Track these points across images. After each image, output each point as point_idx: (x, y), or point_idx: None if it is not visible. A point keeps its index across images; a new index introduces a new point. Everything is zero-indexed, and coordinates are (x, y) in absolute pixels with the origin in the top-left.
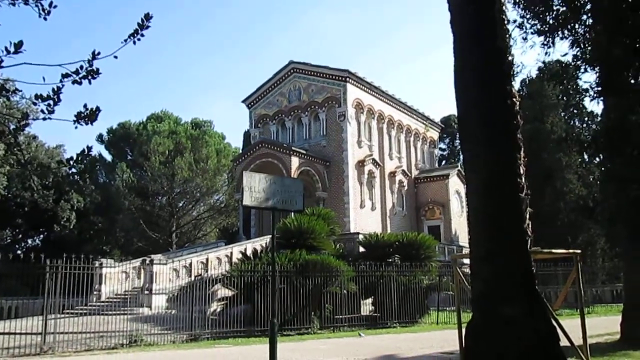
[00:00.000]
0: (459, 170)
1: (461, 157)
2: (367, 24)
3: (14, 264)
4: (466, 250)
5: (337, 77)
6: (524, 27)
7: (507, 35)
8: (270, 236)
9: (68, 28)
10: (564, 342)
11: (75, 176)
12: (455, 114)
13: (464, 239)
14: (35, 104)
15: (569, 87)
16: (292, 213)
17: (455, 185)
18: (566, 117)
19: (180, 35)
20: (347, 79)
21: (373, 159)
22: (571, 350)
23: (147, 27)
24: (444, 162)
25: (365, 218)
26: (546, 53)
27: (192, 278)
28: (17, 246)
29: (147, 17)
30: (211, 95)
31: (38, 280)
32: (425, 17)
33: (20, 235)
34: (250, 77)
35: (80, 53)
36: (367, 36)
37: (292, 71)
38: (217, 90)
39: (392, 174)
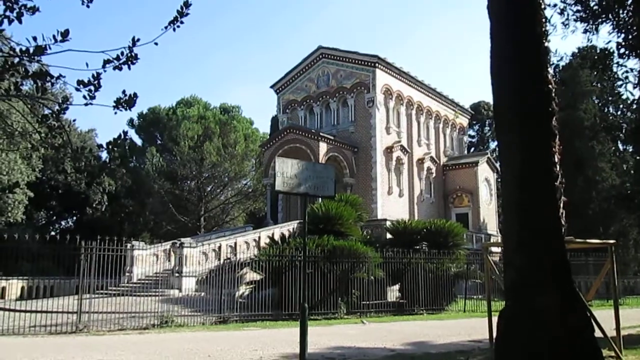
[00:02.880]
0: (488, 157)
1: (491, 144)
2: (396, 12)
3: (50, 245)
4: (495, 239)
5: (366, 63)
6: (565, 13)
7: (545, 21)
8: (298, 221)
9: (100, 12)
10: (596, 333)
11: (109, 162)
12: (485, 100)
13: (492, 227)
14: (77, 89)
15: (607, 74)
16: (320, 199)
17: (485, 173)
18: (600, 105)
19: (208, 20)
20: (377, 64)
21: (401, 146)
22: (604, 342)
23: (187, 14)
24: (473, 149)
25: (392, 205)
26: (588, 39)
27: (221, 261)
28: (51, 227)
29: (186, 4)
30: (239, 81)
31: (72, 261)
32: (455, 3)
33: (55, 217)
34: (279, 63)
35: (107, 38)
36: (396, 24)
37: (321, 56)
38: (245, 76)
39: (421, 161)
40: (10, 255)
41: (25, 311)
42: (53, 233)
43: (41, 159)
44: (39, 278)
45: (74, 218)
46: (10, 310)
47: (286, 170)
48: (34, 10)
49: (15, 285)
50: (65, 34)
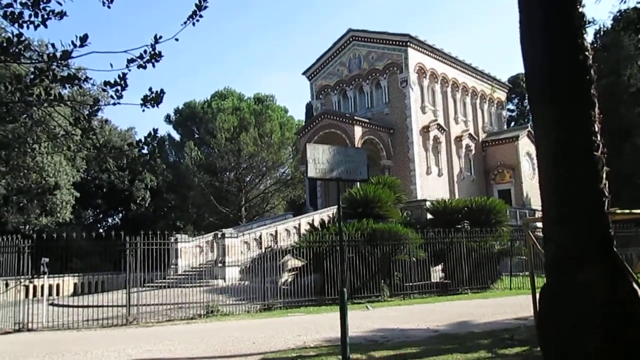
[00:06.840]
0: (529, 131)
1: (531, 117)
2: None
3: (97, 241)
4: (539, 214)
5: (397, 43)
6: None
7: None
8: (337, 206)
9: (122, 10)
10: None
11: (147, 157)
12: (524, 72)
13: (536, 202)
14: (104, 90)
15: None
16: (358, 183)
17: (526, 147)
18: None
19: (237, 10)
20: (408, 43)
21: (438, 124)
22: None
23: (205, 7)
24: (513, 123)
25: (432, 184)
26: (622, 1)
27: (263, 250)
28: (98, 225)
29: None
30: (271, 69)
31: (119, 256)
32: None
33: (101, 215)
34: (310, 49)
35: (129, 35)
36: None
37: (351, 39)
38: (277, 64)
39: (459, 139)
40: (62, 253)
41: (78, 306)
42: (101, 230)
43: (84, 160)
44: (89, 274)
45: (120, 215)
46: (64, 306)
47: (318, 156)
48: (62, 15)
49: (68, 282)
50: (84, 39)
